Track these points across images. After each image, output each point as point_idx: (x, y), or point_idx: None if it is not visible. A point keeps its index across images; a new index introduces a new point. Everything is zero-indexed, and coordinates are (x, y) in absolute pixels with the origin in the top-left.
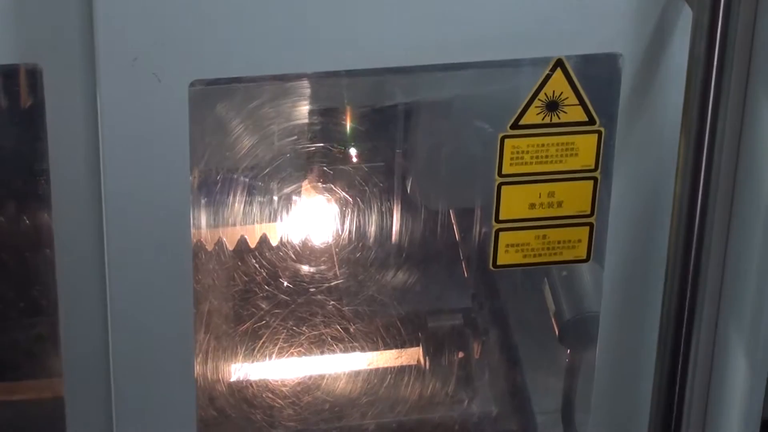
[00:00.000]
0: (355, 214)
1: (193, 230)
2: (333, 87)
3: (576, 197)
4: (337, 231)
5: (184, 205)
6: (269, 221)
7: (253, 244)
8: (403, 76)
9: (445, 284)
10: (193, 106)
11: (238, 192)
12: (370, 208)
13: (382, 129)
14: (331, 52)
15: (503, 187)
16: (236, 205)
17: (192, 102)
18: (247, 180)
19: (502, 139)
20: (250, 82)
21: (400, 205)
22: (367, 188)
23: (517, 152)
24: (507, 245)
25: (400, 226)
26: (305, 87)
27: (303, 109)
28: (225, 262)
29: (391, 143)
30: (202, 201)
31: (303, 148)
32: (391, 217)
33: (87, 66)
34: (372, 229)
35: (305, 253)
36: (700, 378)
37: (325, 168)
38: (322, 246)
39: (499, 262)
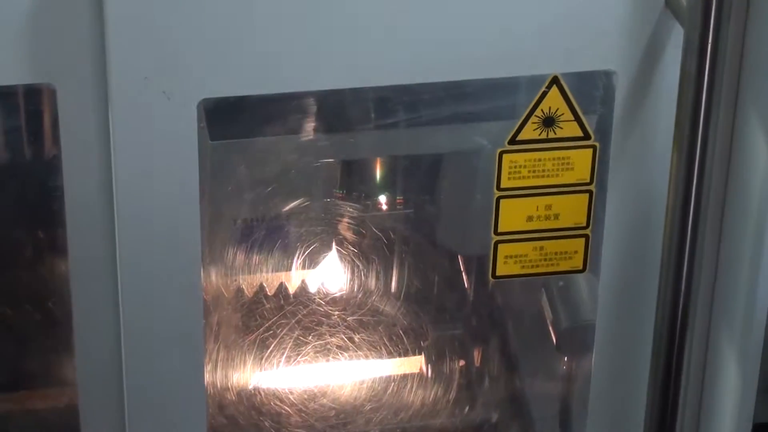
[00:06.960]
0: (375, 265)
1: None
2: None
3: (572, 210)
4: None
5: (194, 219)
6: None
7: (271, 291)
8: (405, 94)
9: (446, 295)
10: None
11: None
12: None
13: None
14: (335, 70)
15: (502, 201)
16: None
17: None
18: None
19: (501, 154)
20: (258, 102)
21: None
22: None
23: (515, 167)
24: (506, 257)
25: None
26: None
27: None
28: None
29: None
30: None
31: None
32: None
33: (99, 85)
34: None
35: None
36: (693, 384)
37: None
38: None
39: (498, 273)
